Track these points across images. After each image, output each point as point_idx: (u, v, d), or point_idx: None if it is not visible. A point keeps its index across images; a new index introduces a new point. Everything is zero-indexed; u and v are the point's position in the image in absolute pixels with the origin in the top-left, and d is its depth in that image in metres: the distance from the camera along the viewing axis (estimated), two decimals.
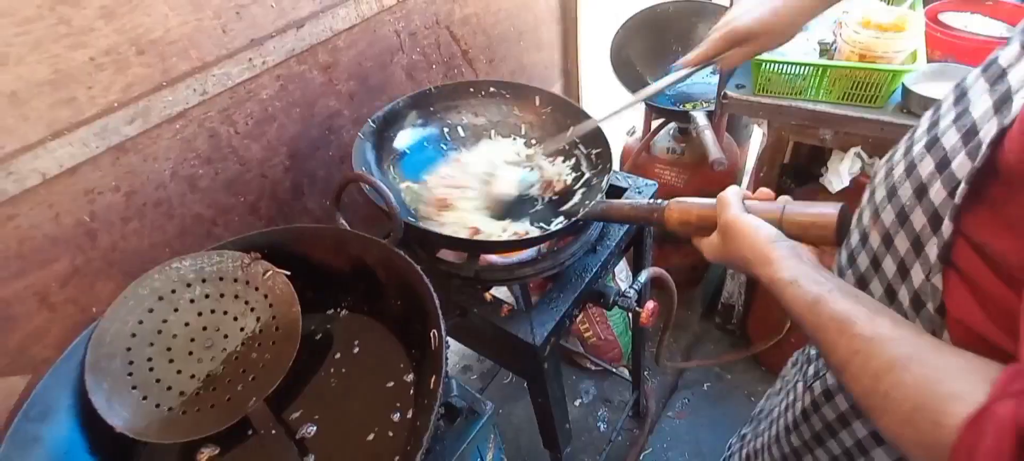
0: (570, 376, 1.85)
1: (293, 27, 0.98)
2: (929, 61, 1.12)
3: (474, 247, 0.91)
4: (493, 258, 1.01)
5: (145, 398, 0.73)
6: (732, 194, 0.62)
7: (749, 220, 0.58)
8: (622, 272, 1.66)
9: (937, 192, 0.50)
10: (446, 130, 1.13)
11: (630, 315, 1.73)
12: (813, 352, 0.79)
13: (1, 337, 0.79)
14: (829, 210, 0.56)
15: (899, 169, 0.57)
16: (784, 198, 0.61)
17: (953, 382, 0.39)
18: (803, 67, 1.16)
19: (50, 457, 0.65)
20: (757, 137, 2.01)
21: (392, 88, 1.22)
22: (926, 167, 0.52)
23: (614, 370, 1.77)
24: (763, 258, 0.55)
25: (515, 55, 1.55)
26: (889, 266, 0.57)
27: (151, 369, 0.75)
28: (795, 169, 1.45)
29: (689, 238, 0.68)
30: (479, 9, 1.37)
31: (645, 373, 1.63)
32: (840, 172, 1.21)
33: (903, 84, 1.10)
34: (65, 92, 0.75)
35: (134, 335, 0.74)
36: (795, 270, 0.52)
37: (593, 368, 1.84)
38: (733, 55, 0.84)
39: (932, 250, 0.50)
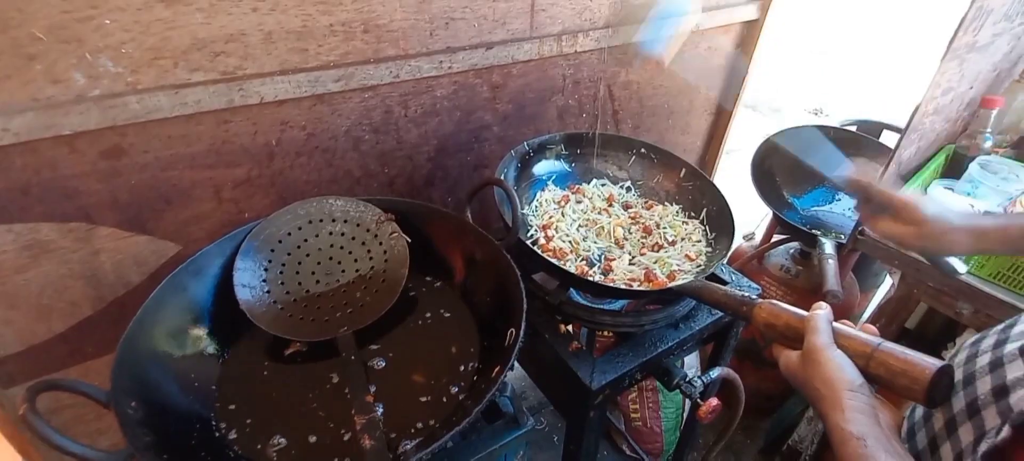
0: (603, 450, 1.80)
1: (483, 47, 1.14)
2: None
3: (569, 279, 0.97)
4: (579, 297, 1.07)
5: (268, 292, 0.88)
6: (823, 319, 0.59)
7: (834, 355, 0.56)
8: (692, 369, 1.61)
9: (1020, 399, 0.48)
10: (583, 174, 1.21)
11: (684, 412, 1.67)
12: None
13: (177, 209, 0.96)
14: (927, 363, 0.51)
15: (983, 359, 0.54)
16: (883, 341, 0.57)
17: None
18: None
19: (186, 305, 0.82)
20: (885, 289, 1.86)
21: (541, 122, 1.35)
22: (1015, 370, 0.50)
23: None
24: (835, 402, 0.53)
25: (660, 130, 1.61)
26: (947, 453, 0.54)
27: (281, 272, 0.90)
28: (918, 337, 1.33)
29: (771, 342, 0.67)
30: (643, 80, 1.46)
31: None
32: None
33: None
34: (302, 44, 0.94)
35: (280, 241, 0.91)
36: (865, 427, 0.50)
37: (627, 453, 1.77)
38: (885, 223, 0.79)
39: (982, 446, 0.48)
